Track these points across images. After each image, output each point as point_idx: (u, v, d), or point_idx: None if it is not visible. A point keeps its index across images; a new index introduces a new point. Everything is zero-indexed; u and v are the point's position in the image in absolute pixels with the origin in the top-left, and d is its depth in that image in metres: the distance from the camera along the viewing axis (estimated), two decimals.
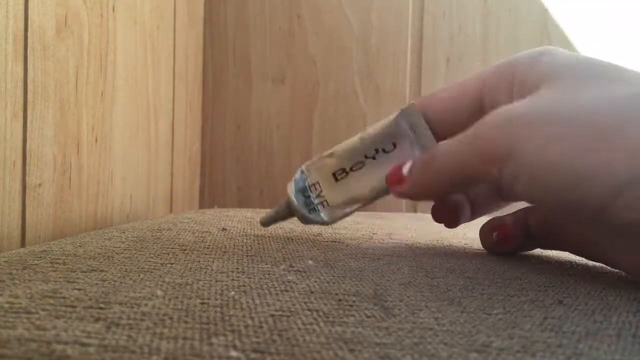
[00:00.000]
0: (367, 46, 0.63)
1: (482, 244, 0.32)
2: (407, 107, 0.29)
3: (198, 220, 0.41)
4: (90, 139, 0.39)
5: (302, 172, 0.31)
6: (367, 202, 0.31)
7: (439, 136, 0.30)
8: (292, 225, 0.37)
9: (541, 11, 0.61)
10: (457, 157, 0.25)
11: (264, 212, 0.37)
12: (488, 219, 0.32)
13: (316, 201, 0.31)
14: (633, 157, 0.20)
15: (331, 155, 0.31)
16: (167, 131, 0.55)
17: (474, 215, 0.32)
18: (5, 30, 0.30)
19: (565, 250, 0.30)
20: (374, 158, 0.30)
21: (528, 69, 0.26)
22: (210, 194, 0.66)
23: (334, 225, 0.38)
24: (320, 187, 0.31)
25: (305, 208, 0.31)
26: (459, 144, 0.25)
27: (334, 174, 0.30)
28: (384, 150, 0.30)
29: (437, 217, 0.32)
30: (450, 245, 0.33)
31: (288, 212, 0.31)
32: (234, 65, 0.65)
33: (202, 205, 0.67)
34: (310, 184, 0.31)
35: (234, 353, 0.14)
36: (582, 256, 0.29)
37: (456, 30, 0.62)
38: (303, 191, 0.31)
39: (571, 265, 0.29)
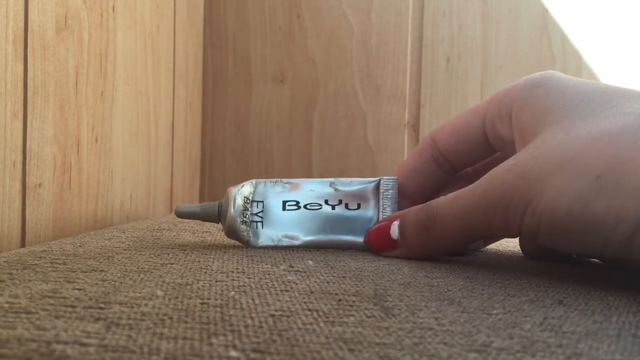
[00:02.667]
0: (367, 46, 0.63)
1: (523, 252, 0.31)
2: (388, 179, 0.29)
3: (198, 221, 0.41)
4: (90, 139, 0.39)
5: (253, 185, 0.29)
6: (299, 245, 0.29)
7: (453, 165, 0.30)
8: None
9: (541, 11, 0.61)
10: (465, 217, 0.25)
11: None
12: None
13: (252, 218, 0.29)
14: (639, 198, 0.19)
15: (292, 184, 0.29)
16: (167, 131, 0.55)
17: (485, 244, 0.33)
18: (5, 30, 0.30)
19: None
20: (333, 208, 0.29)
21: (525, 105, 0.25)
22: (210, 194, 0.66)
23: None
24: (262, 207, 0.29)
25: (239, 218, 0.29)
26: (465, 202, 0.25)
27: (284, 202, 0.29)
28: (346, 206, 0.29)
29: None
30: None
31: (215, 214, 0.29)
32: (234, 65, 0.65)
33: None
34: (254, 199, 0.29)
35: (233, 353, 0.14)
36: None
37: (456, 30, 0.62)
38: (245, 201, 0.29)
39: (571, 265, 0.29)
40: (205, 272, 0.23)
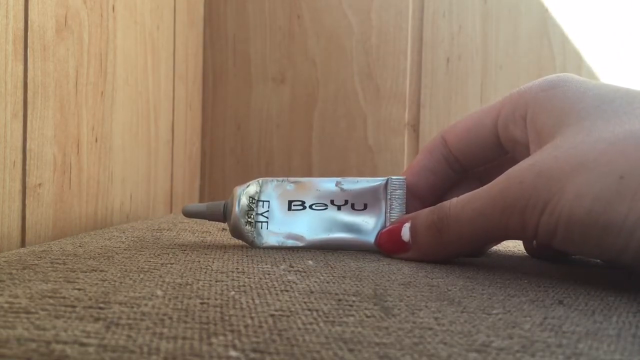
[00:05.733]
0: (367, 46, 0.63)
1: (524, 248, 0.31)
2: (396, 179, 0.29)
3: (198, 220, 0.41)
4: (90, 139, 0.39)
5: (259, 184, 0.29)
6: (304, 245, 0.29)
7: (464, 165, 0.30)
8: None
9: (541, 11, 0.61)
10: (479, 218, 0.24)
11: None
12: None
13: (257, 218, 0.29)
14: None
15: (298, 184, 0.29)
16: (167, 131, 0.55)
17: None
18: (5, 30, 0.30)
19: None
20: (339, 208, 0.29)
21: (541, 106, 0.25)
22: (210, 194, 0.66)
23: None
24: (268, 207, 0.29)
25: (244, 218, 0.29)
26: (480, 203, 0.24)
27: (290, 202, 0.29)
28: (353, 206, 0.29)
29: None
30: None
31: (221, 214, 0.29)
32: (234, 65, 0.65)
33: None
34: (259, 199, 0.29)
35: (233, 353, 0.14)
36: None
37: (456, 30, 0.62)
38: (250, 201, 0.29)
39: (571, 265, 0.29)
40: (205, 272, 0.23)
